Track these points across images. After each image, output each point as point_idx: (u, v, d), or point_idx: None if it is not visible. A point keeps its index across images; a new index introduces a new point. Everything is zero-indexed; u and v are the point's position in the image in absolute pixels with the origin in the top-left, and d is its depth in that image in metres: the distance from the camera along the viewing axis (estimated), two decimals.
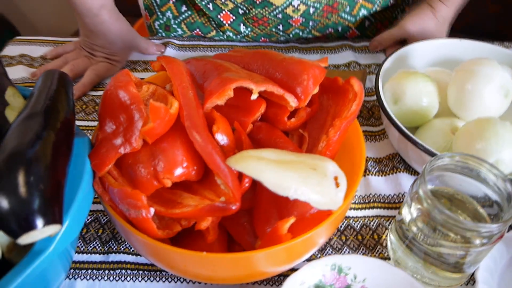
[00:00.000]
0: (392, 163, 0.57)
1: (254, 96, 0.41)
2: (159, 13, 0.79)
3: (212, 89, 0.41)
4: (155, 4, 0.79)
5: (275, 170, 0.34)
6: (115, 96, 0.39)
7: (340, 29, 0.78)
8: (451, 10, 0.71)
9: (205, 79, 0.44)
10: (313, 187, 0.34)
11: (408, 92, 0.53)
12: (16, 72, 0.71)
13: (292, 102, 0.42)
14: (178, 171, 0.36)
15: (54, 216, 0.31)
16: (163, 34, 0.81)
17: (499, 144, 0.46)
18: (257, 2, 0.70)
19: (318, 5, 0.71)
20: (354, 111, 0.41)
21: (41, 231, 0.30)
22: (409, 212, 0.44)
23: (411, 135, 0.49)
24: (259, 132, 0.43)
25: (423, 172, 0.41)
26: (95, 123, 0.63)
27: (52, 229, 0.31)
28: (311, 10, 0.72)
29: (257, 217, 0.40)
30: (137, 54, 0.75)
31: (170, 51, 0.75)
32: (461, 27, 1.56)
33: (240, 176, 0.37)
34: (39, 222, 0.30)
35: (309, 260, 0.46)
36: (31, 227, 0.29)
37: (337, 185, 0.36)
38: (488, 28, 1.53)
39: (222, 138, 0.38)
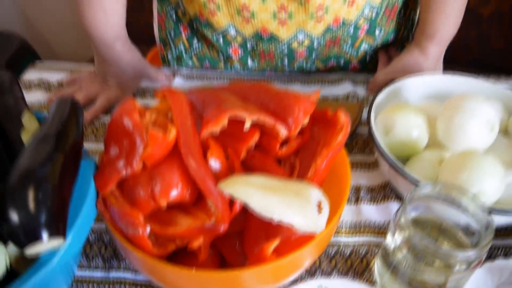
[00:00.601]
0: (384, 192, 0.60)
1: (246, 125, 0.44)
2: (172, 46, 0.84)
3: (209, 118, 0.44)
4: (169, 37, 0.84)
5: (261, 195, 0.37)
6: (120, 122, 0.43)
7: (342, 62, 0.82)
8: (440, 47, 0.73)
9: (204, 108, 0.48)
10: (296, 211, 0.37)
11: (398, 125, 0.56)
12: (34, 96, 0.76)
13: (283, 132, 0.45)
14: (174, 193, 0.39)
15: (58, 230, 0.34)
16: (175, 65, 0.86)
17: (481, 175, 0.48)
18: (264, 37, 0.74)
19: (322, 38, 0.75)
20: (340, 141, 0.44)
21: (46, 242, 0.33)
22: (393, 239, 0.46)
23: (399, 165, 0.52)
24: (252, 159, 0.46)
25: (405, 201, 0.44)
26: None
27: (56, 241, 0.34)
28: (315, 43, 0.76)
29: (247, 239, 0.42)
30: (147, 82, 0.79)
31: (178, 81, 0.80)
32: (468, 62, 1.60)
33: (232, 200, 0.40)
34: (45, 234, 0.33)
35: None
36: (37, 238, 0.33)
37: (320, 210, 0.39)
38: (493, 63, 1.56)
39: (215, 164, 0.41)
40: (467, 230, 0.45)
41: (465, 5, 0.72)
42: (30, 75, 0.82)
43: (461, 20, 0.73)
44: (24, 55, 1.68)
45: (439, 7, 0.71)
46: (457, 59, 1.47)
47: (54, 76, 0.82)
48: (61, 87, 0.79)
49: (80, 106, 0.46)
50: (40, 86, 0.79)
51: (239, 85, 0.53)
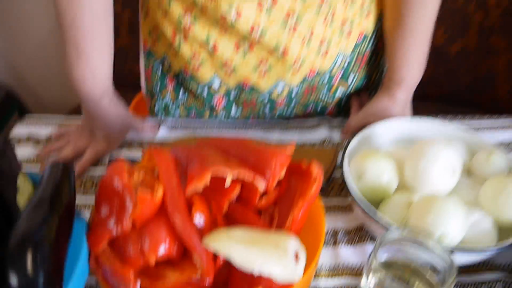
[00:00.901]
0: (360, 233, 0.63)
1: (228, 181, 0.48)
2: (159, 97, 0.89)
3: (193, 175, 0.48)
4: (155, 90, 0.88)
5: (243, 249, 0.40)
6: (110, 183, 0.46)
7: (319, 107, 0.87)
8: (407, 93, 0.79)
9: (188, 164, 0.52)
10: (275, 262, 0.40)
11: (369, 171, 0.61)
12: (23, 151, 0.79)
13: (261, 185, 0.49)
14: (162, 249, 0.42)
15: None
16: (163, 116, 0.90)
17: (444, 218, 0.52)
18: (246, 88, 0.79)
19: (300, 87, 0.81)
20: (314, 193, 0.48)
21: None
22: (367, 282, 0.49)
23: (371, 210, 0.56)
24: (234, 211, 0.50)
25: (375, 246, 0.47)
26: (93, 199, 0.69)
27: None
28: (294, 92, 0.81)
29: None
30: (133, 133, 0.83)
31: (162, 131, 0.84)
32: (438, 97, 1.68)
33: (217, 254, 0.43)
34: None
35: None
36: None
37: (297, 259, 0.42)
38: (462, 97, 1.64)
39: (199, 219, 0.45)
40: (435, 270, 0.49)
41: (427, 51, 0.78)
42: (19, 130, 0.85)
43: (424, 65, 0.79)
44: (10, 104, 1.71)
45: (403, 56, 0.77)
46: (429, 95, 1.55)
47: (42, 131, 0.85)
48: (50, 142, 0.82)
49: (72, 168, 0.49)
50: (29, 140, 0.82)
51: (220, 140, 0.57)
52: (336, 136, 0.82)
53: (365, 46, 0.81)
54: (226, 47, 0.73)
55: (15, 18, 1.88)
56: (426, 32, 0.75)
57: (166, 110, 0.89)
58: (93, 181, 0.74)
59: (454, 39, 1.58)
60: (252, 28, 0.68)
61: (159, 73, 0.86)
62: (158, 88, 0.88)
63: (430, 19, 0.74)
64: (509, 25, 1.51)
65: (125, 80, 1.25)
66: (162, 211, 0.45)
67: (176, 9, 0.71)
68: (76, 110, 1.81)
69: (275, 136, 0.82)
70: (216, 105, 0.84)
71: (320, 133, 0.82)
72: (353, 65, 0.82)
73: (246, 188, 0.51)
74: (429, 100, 1.60)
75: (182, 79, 0.83)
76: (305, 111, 0.87)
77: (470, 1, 1.55)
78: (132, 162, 0.56)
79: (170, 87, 0.86)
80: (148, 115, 0.95)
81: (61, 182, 0.46)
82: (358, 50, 0.81)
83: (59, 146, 0.78)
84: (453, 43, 1.59)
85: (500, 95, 1.59)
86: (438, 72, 1.62)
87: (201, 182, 0.47)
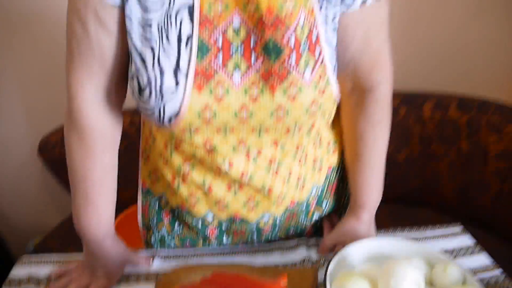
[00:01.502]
0: None
1: None
2: (155, 230, 0.97)
3: None
4: (152, 224, 0.97)
5: None
6: None
7: (299, 230, 0.99)
8: (370, 213, 0.92)
9: None
10: None
11: None
12: None
13: None
14: None
15: None
16: (158, 247, 0.98)
17: None
18: (237, 220, 0.90)
19: (282, 216, 0.92)
20: None
21: None
22: None
23: None
24: None
25: None
26: None
27: None
28: (278, 220, 0.93)
29: None
30: (129, 266, 0.90)
31: (157, 262, 0.91)
32: (394, 199, 1.85)
33: None
34: None
35: None
36: None
37: None
38: (413, 198, 1.82)
39: None
40: None
41: (383, 176, 0.92)
42: (19, 271, 0.89)
43: (382, 188, 0.94)
44: None
45: (363, 185, 0.91)
46: (384, 198, 1.72)
47: (42, 270, 0.89)
48: (50, 281, 0.86)
49: None
50: (30, 282, 0.86)
51: (222, 278, 0.66)
52: (314, 254, 0.93)
53: (334, 176, 0.96)
54: (219, 188, 0.85)
55: None
56: (380, 162, 0.91)
57: (162, 242, 0.97)
58: None
59: (400, 149, 1.80)
60: (242, 174, 0.81)
61: (156, 208, 0.96)
62: (154, 222, 0.96)
63: (382, 152, 0.90)
64: (444, 134, 1.75)
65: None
66: None
67: (177, 159, 0.84)
68: (51, 234, 1.83)
69: (259, 259, 0.91)
70: (209, 235, 0.94)
71: (299, 253, 0.93)
72: (325, 193, 0.96)
73: None
74: (385, 202, 1.77)
75: (178, 213, 0.93)
76: (287, 234, 0.98)
77: (409, 116, 1.79)
78: None
79: (166, 220, 0.96)
80: (133, 242, 1.02)
81: None
82: (328, 181, 0.95)
83: (62, 285, 0.83)
84: (399, 152, 1.80)
85: (446, 194, 1.78)
86: (390, 178, 1.80)
87: None
